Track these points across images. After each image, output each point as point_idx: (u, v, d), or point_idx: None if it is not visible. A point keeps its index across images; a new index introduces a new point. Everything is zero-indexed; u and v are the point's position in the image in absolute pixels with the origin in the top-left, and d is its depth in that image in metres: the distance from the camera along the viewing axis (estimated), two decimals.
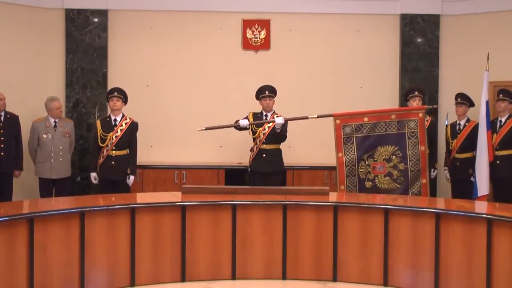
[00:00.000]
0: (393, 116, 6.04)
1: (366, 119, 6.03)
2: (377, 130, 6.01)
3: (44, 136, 6.46)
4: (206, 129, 6.11)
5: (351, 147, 6.02)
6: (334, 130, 6.03)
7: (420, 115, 6.02)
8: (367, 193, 5.84)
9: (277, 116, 6.16)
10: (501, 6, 7.16)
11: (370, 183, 5.98)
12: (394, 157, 5.99)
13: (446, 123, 6.83)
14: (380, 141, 6.05)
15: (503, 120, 6.30)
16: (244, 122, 6.14)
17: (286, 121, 6.14)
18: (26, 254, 4.18)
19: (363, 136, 6.01)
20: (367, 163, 5.99)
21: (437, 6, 7.36)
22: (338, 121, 6.07)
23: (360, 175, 5.98)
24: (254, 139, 6.31)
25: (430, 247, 4.59)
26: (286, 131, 6.28)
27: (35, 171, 6.52)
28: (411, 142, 6.00)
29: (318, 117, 6.09)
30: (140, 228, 4.73)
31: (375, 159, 5.99)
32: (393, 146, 6.01)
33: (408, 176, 5.96)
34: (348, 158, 5.97)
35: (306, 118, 6.15)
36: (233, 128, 6.35)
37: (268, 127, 6.19)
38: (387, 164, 5.99)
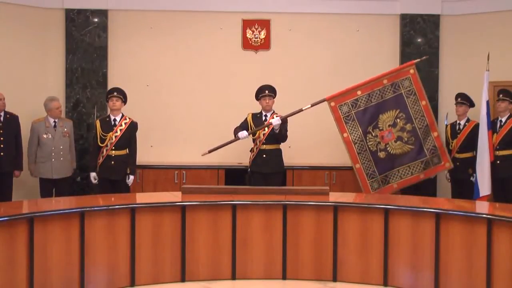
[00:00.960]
0: (385, 81, 6.05)
1: (359, 92, 6.04)
2: (373, 99, 6.01)
3: (45, 136, 6.46)
4: (210, 151, 6.14)
5: (353, 124, 6.02)
6: (332, 113, 6.05)
7: (412, 71, 6.03)
8: (385, 163, 5.81)
9: (276, 116, 6.17)
10: (501, 6, 7.16)
11: (383, 152, 5.96)
12: (398, 120, 5.98)
13: (446, 123, 6.83)
14: (379, 109, 6.06)
15: (504, 120, 6.30)
16: (243, 135, 6.14)
17: (283, 119, 6.15)
18: (26, 254, 4.18)
19: (362, 110, 6.02)
20: (374, 134, 5.98)
21: (437, 6, 7.35)
22: (333, 103, 6.10)
23: (371, 148, 5.96)
24: (254, 140, 6.31)
25: (430, 247, 4.60)
26: (287, 131, 6.28)
27: (33, 171, 6.49)
28: (411, 100, 6.00)
29: (312, 105, 6.10)
30: (140, 228, 4.73)
31: (381, 128, 5.98)
32: (394, 110, 6.01)
33: (418, 134, 5.96)
34: (354, 136, 5.97)
35: (301, 110, 6.17)
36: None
37: (268, 127, 6.19)
38: (393, 130, 5.97)
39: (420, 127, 5.98)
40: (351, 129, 6.05)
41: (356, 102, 6.00)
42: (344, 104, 6.07)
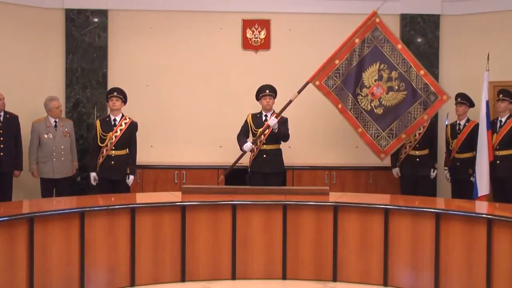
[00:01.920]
0: (356, 40, 6.08)
1: (337, 61, 6.07)
2: (353, 62, 6.06)
3: (45, 136, 6.46)
4: (225, 175, 6.21)
5: (343, 93, 6.06)
6: (320, 91, 6.10)
7: (377, 20, 6.10)
8: (385, 118, 5.88)
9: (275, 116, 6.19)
10: (501, 6, 7.16)
11: (380, 108, 5.96)
12: (382, 72, 6.00)
13: (446, 123, 6.83)
14: (360, 68, 6.09)
15: (503, 120, 6.30)
16: (247, 147, 6.17)
17: (281, 120, 6.15)
18: (26, 254, 4.18)
19: (345, 76, 6.04)
20: (363, 94, 6.00)
21: (437, 6, 7.35)
22: (317, 82, 6.13)
23: (366, 108, 5.97)
24: (254, 141, 6.31)
25: (430, 247, 4.60)
26: (287, 130, 6.29)
27: (35, 171, 6.49)
28: (387, 48, 6.02)
29: (299, 92, 6.13)
30: (140, 228, 4.73)
31: (368, 86, 6.00)
32: (375, 64, 6.03)
33: (406, 77, 5.98)
34: (347, 103, 6.03)
35: (290, 101, 6.20)
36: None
37: (268, 128, 6.19)
38: (381, 82, 5.98)
39: (405, 71, 6.00)
40: (343, 99, 6.09)
41: (338, 71, 6.05)
42: (328, 78, 6.11)
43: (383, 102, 5.97)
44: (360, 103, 5.97)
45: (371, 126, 6.05)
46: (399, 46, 6.07)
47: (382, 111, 5.96)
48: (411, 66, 6.02)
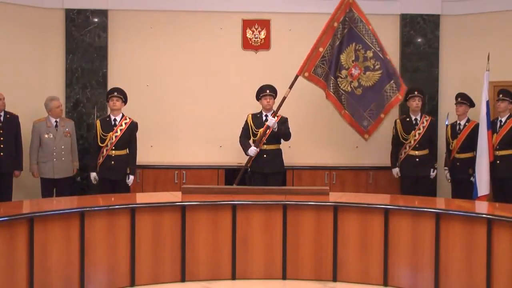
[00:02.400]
0: (335, 24, 6.16)
1: (321, 49, 6.16)
2: (335, 46, 6.10)
3: (46, 136, 6.46)
4: (237, 184, 6.16)
5: (328, 77, 6.12)
6: (312, 82, 6.14)
7: (350, 0, 6.14)
8: (365, 99, 5.98)
9: (276, 116, 6.18)
10: (501, 6, 7.16)
11: (359, 89, 6.04)
12: (358, 52, 6.06)
13: (446, 123, 6.83)
14: (339, 50, 6.18)
15: (503, 120, 6.30)
16: (252, 152, 6.16)
17: (281, 120, 6.16)
18: (26, 254, 4.18)
19: (330, 61, 6.09)
20: (343, 76, 6.06)
21: (437, 6, 7.35)
22: (306, 74, 6.21)
23: (346, 89, 6.08)
24: (254, 141, 6.31)
25: (430, 247, 4.60)
26: (288, 128, 6.30)
27: (36, 172, 6.49)
28: (360, 28, 6.11)
29: (290, 88, 6.16)
30: (140, 228, 4.73)
31: (346, 67, 6.05)
32: (351, 45, 6.11)
33: (380, 56, 6.06)
34: (332, 87, 6.11)
35: (284, 98, 6.22)
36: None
37: (268, 128, 6.20)
38: (358, 63, 6.04)
39: (379, 50, 6.10)
40: (329, 83, 6.14)
41: (325, 58, 6.12)
42: (316, 67, 6.19)
43: (361, 83, 6.05)
44: (340, 85, 6.03)
45: (354, 109, 6.10)
46: (371, 27, 6.18)
47: (361, 91, 6.04)
48: (381, 48, 6.10)
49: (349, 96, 6.05)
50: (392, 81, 6.15)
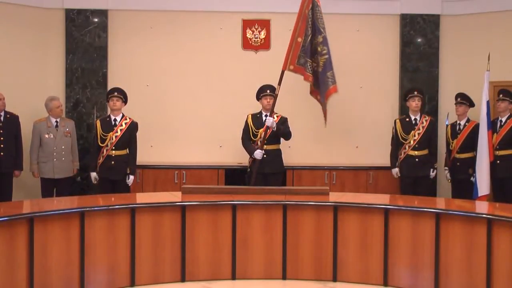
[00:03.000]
0: (307, 11, 6.20)
1: (299, 39, 6.21)
2: (309, 32, 6.20)
3: (46, 136, 6.46)
4: (253, 184, 6.11)
5: (306, 60, 6.18)
6: (298, 73, 6.19)
7: None
8: (322, 79, 6.04)
9: (276, 116, 6.18)
10: (501, 6, 7.16)
11: (321, 67, 6.14)
12: (318, 36, 6.12)
13: (446, 123, 6.83)
14: (312, 36, 6.20)
15: (504, 120, 6.30)
16: (258, 155, 6.15)
17: (272, 114, 6.16)
18: (26, 254, 4.18)
19: (307, 48, 6.19)
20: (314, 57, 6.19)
21: (437, 6, 7.35)
22: (291, 67, 6.27)
23: (315, 68, 6.17)
24: (254, 141, 6.31)
25: (430, 247, 4.60)
26: (288, 128, 6.30)
27: (36, 172, 6.49)
28: (316, 12, 6.17)
29: (279, 84, 6.14)
30: (140, 228, 4.73)
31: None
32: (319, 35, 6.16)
33: (328, 41, 6.14)
34: (309, 69, 6.20)
35: (276, 95, 6.20)
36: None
37: (268, 129, 6.20)
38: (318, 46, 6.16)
39: (327, 37, 6.17)
40: (309, 70, 6.21)
41: (304, 48, 6.12)
42: (299, 57, 6.25)
43: (320, 63, 6.14)
44: (313, 63, 6.19)
45: (321, 88, 6.24)
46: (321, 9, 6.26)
47: (321, 70, 6.13)
48: (322, 28, 6.22)
49: (321, 76, 6.18)
50: (332, 70, 6.20)
